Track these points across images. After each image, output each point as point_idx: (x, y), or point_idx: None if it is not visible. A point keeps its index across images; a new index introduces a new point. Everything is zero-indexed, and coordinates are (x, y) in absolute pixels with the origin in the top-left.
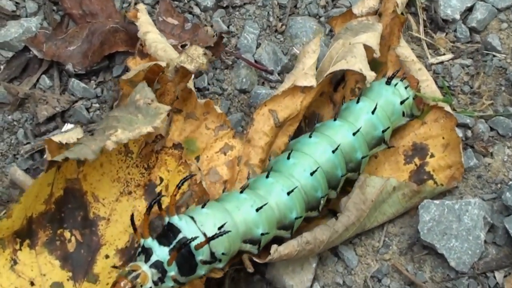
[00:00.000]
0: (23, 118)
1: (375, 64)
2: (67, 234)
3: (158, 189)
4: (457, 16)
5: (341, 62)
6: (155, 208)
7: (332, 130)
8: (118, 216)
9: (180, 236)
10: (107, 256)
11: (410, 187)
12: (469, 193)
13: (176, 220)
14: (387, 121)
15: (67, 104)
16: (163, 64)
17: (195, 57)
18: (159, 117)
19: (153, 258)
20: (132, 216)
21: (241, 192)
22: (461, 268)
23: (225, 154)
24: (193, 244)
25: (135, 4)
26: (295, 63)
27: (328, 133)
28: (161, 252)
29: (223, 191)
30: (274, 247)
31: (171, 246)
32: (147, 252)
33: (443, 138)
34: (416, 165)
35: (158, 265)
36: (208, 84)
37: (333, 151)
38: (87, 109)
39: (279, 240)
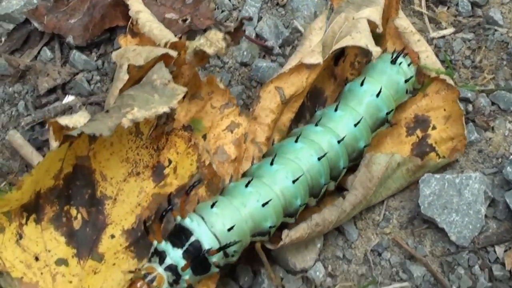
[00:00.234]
0: (24, 90)
1: (373, 37)
2: (73, 211)
3: (166, 171)
4: None
5: (346, 38)
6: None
7: (334, 122)
8: (125, 197)
9: (192, 238)
10: (112, 236)
11: (414, 162)
12: (470, 167)
13: (188, 222)
14: (391, 103)
15: (68, 76)
16: (174, 54)
17: (215, 41)
18: (176, 97)
19: (167, 261)
20: (144, 222)
21: (247, 184)
22: (462, 243)
23: (231, 132)
24: (206, 248)
25: None
26: (296, 36)
27: (331, 125)
28: (174, 255)
29: (230, 180)
30: (285, 232)
31: (184, 249)
32: (160, 255)
33: (445, 110)
34: (418, 137)
35: (172, 268)
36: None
37: (338, 142)
38: (88, 81)
39: (283, 225)
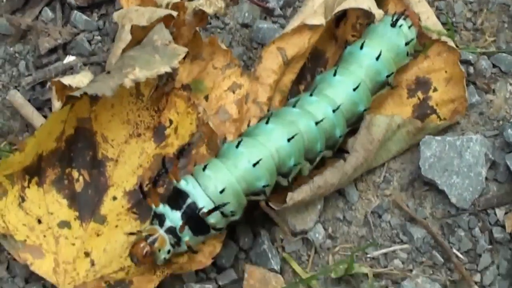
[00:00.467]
0: (25, 50)
1: None
2: (75, 173)
3: (167, 132)
4: None
5: (349, 0)
6: None
7: (332, 88)
8: (127, 158)
9: (189, 201)
10: (114, 198)
11: (414, 124)
12: (470, 129)
13: (183, 185)
14: (392, 66)
15: (69, 36)
16: (175, 13)
17: (214, 0)
18: (177, 57)
19: (167, 224)
20: (141, 186)
21: (238, 145)
22: (462, 205)
23: (233, 92)
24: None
25: None
26: None
27: (327, 93)
28: (173, 217)
29: (223, 142)
30: (289, 195)
31: (182, 211)
32: (160, 218)
33: (446, 72)
34: (419, 99)
35: (172, 230)
36: (210, 18)
37: (334, 111)
38: (89, 42)
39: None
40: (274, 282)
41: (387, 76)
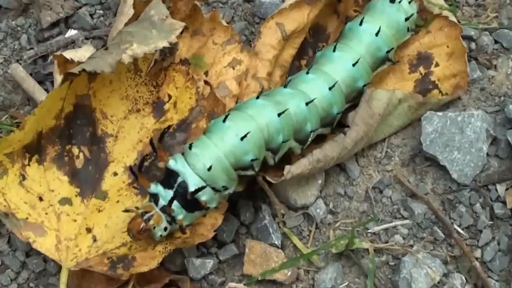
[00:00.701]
0: (27, 24)
1: None
2: (75, 150)
3: (166, 107)
4: None
5: None
6: None
7: (331, 64)
8: (126, 134)
9: (179, 180)
10: (115, 174)
11: (415, 99)
12: (472, 105)
13: (172, 164)
14: (392, 41)
15: (71, 10)
16: None
17: None
18: (174, 32)
19: (161, 203)
20: (131, 167)
21: (225, 119)
22: (463, 180)
23: (233, 68)
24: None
25: None
26: None
27: (326, 69)
28: (167, 196)
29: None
30: (287, 168)
31: (174, 190)
32: (155, 198)
33: (448, 47)
34: (421, 74)
35: (165, 209)
36: None
37: (330, 88)
38: (91, 15)
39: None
40: (275, 257)
41: (387, 52)
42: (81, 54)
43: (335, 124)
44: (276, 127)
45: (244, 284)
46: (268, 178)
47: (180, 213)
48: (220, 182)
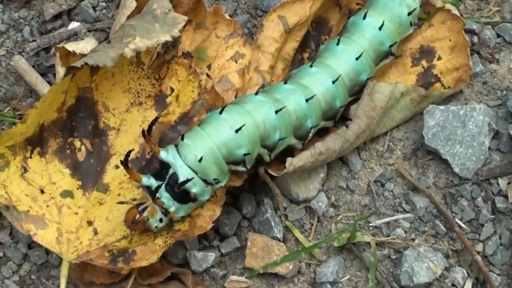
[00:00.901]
0: (30, 16)
1: None
2: (77, 143)
3: (168, 100)
4: None
5: None
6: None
7: (334, 57)
8: (128, 127)
9: (171, 171)
10: (117, 167)
11: (418, 92)
12: (474, 99)
13: (163, 155)
14: (395, 36)
15: (73, 2)
16: None
17: None
18: (177, 26)
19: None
20: (122, 162)
21: (221, 111)
22: (465, 174)
23: (236, 62)
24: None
25: None
26: None
27: (330, 62)
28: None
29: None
30: (289, 160)
31: (166, 181)
32: (149, 190)
33: (450, 40)
34: (423, 67)
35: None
36: None
37: (333, 82)
38: (94, 8)
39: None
40: (277, 250)
41: (390, 46)
42: (83, 46)
43: (338, 117)
44: (273, 124)
45: (246, 277)
46: (270, 171)
47: (171, 205)
48: (211, 174)
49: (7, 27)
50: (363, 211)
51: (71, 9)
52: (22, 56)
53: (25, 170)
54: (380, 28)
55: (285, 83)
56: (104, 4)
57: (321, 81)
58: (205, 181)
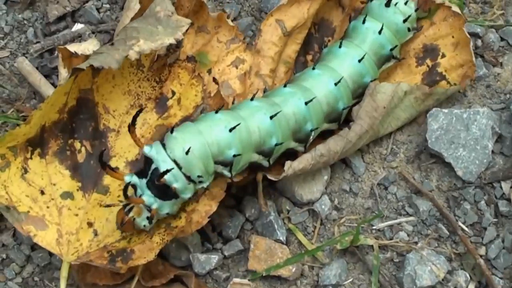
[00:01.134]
0: (33, 17)
1: None
2: (77, 144)
3: (169, 103)
4: None
5: None
6: None
7: (337, 60)
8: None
9: (153, 166)
10: (117, 168)
11: (421, 90)
12: (477, 102)
13: (147, 150)
14: (394, 40)
15: (77, 4)
16: None
17: None
18: (181, 29)
19: (138, 192)
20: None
21: (217, 112)
22: (468, 178)
23: (236, 67)
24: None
25: None
26: None
27: (332, 65)
28: (142, 185)
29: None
30: (288, 163)
31: (148, 178)
32: (134, 188)
33: (453, 37)
34: (428, 66)
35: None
36: None
37: (335, 84)
38: (98, 9)
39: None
40: (280, 253)
41: (391, 50)
42: (85, 47)
43: (343, 120)
44: (268, 130)
45: (249, 280)
46: (269, 176)
47: (153, 202)
48: (196, 170)
49: (11, 29)
50: (366, 214)
51: (75, 11)
52: (26, 57)
53: (26, 171)
54: (379, 32)
55: (285, 85)
56: (108, 6)
57: (323, 84)
58: (188, 177)
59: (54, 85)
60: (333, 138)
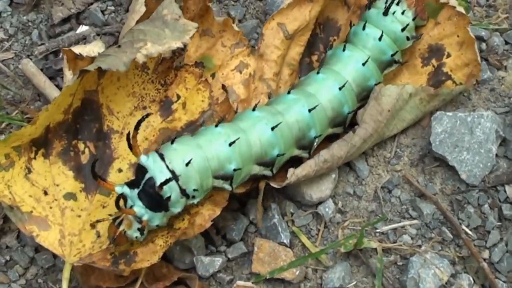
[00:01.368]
0: (38, 19)
1: None
2: (81, 145)
3: (174, 106)
4: None
5: None
6: None
7: (341, 63)
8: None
9: (147, 176)
10: (120, 170)
11: (426, 91)
12: (481, 106)
13: (143, 160)
14: (395, 46)
15: (82, 6)
16: None
17: None
18: (188, 33)
19: (129, 203)
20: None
21: (217, 125)
22: (472, 181)
23: (240, 72)
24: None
25: None
26: None
27: (337, 68)
28: (132, 196)
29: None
30: (291, 170)
31: (140, 188)
32: (124, 199)
33: (458, 36)
34: (433, 66)
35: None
36: None
37: (340, 88)
38: (102, 12)
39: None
40: (284, 255)
41: (392, 55)
42: (90, 49)
43: (348, 123)
44: (269, 141)
45: (252, 283)
46: (272, 184)
47: (144, 214)
48: (192, 183)
49: (15, 30)
50: (370, 217)
51: (80, 13)
52: (31, 59)
53: (29, 171)
54: (379, 39)
55: (289, 92)
56: (112, 8)
57: (328, 88)
58: (183, 191)
59: (58, 87)
60: (337, 143)
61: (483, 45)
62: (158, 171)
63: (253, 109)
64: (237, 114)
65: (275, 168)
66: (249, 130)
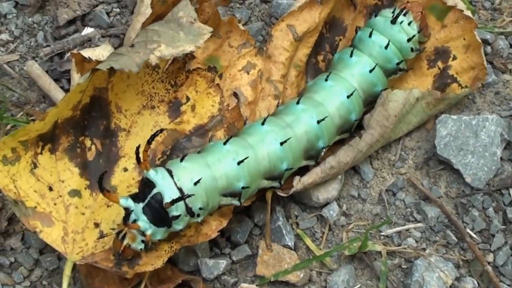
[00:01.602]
0: (43, 21)
1: None
2: (88, 142)
3: (183, 108)
4: None
5: None
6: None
7: (348, 70)
8: (139, 129)
9: (154, 191)
10: (125, 169)
11: (433, 96)
12: (486, 109)
13: (152, 175)
14: (400, 55)
15: (87, 8)
16: None
17: None
18: (202, 37)
19: (132, 217)
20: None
21: (225, 143)
22: (477, 184)
23: (247, 73)
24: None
25: None
26: None
27: (344, 75)
28: (137, 210)
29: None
30: (296, 178)
31: (146, 202)
32: (127, 213)
33: (464, 39)
34: (439, 68)
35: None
36: None
37: (348, 96)
38: (108, 14)
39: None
40: (288, 258)
41: (397, 64)
42: (99, 52)
43: (354, 128)
44: (278, 155)
45: (257, 285)
46: (278, 193)
47: (148, 228)
48: (199, 202)
49: (20, 32)
50: (374, 220)
51: (85, 15)
52: (36, 61)
53: (35, 166)
54: (386, 47)
55: (298, 101)
56: (118, 10)
57: (336, 96)
58: (189, 209)
59: (63, 88)
60: (343, 149)
61: (488, 48)
62: (167, 188)
63: (262, 123)
64: (245, 127)
65: (283, 180)
66: (258, 145)
